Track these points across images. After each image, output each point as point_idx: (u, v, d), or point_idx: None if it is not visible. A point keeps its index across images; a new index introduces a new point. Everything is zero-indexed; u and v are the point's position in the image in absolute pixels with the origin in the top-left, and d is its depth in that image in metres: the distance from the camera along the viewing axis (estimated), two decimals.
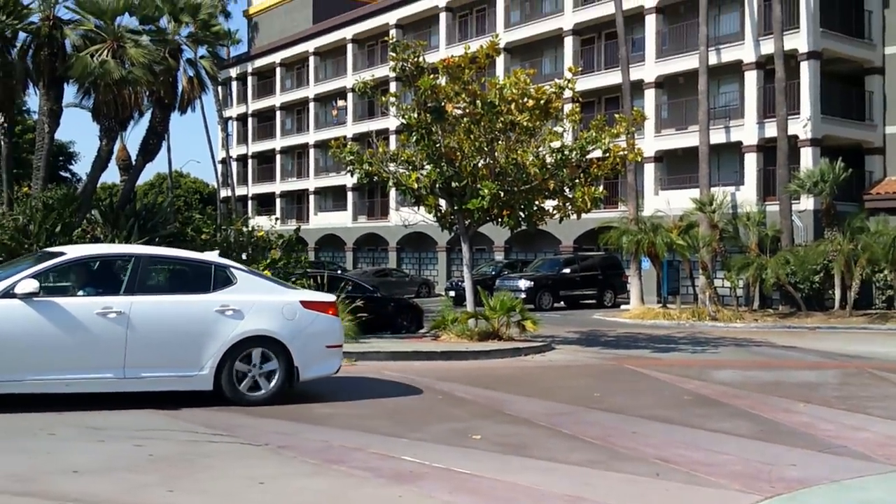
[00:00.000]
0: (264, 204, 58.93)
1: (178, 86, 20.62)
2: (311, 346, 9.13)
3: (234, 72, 60.45)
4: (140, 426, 7.63)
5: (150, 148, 20.07)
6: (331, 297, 9.96)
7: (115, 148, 20.87)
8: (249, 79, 59.98)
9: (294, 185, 56.56)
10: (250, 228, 21.29)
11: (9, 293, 7.90)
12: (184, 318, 8.59)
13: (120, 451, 6.76)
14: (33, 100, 42.66)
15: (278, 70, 57.23)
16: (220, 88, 52.77)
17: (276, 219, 42.62)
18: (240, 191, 58.97)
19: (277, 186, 57.57)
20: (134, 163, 21.07)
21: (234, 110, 61.87)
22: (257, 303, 8.88)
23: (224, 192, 56.70)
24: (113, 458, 6.51)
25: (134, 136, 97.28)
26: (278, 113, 57.42)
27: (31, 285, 7.91)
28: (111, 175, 55.28)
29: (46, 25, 18.06)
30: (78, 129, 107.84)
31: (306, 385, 10.33)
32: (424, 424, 8.45)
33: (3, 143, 18.76)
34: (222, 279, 8.99)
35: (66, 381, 8.07)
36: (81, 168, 42.64)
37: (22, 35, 18.54)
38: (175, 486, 5.83)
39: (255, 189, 59.88)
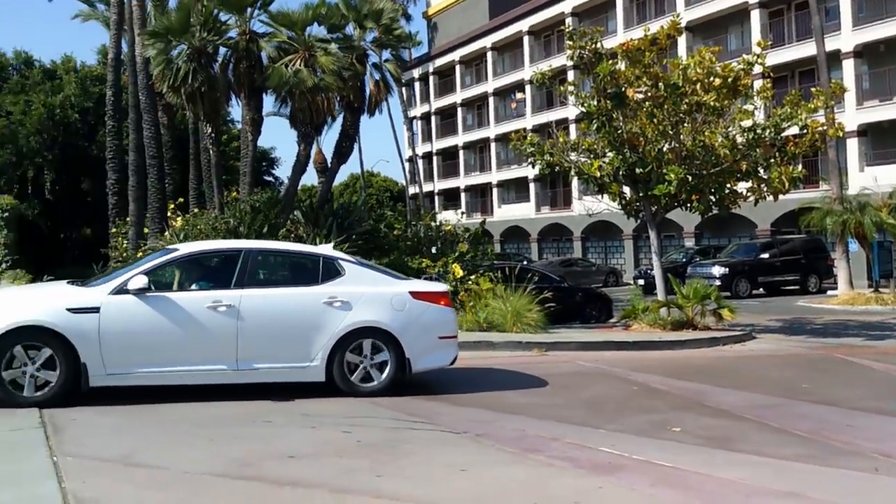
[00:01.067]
0: (450, 199, 60.13)
1: (365, 90, 21.38)
2: (423, 336, 8.99)
3: (416, 73, 62.03)
4: (347, 414, 7.99)
5: (343, 150, 20.98)
6: (443, 287, 9.84)
7: (312, 152, 22.01)
8: (431, 78, 61.34)
9: (477, 179, 57.31)
10: (438, 223, 21.81)
11: (122, 290, 8.22)
12: (292, 311, 8.61)
13: (330, 437, 7.12)
14: (236, 111, 45.78)
15: (458, 68, 58.13)
16: (403, 90, 54.31)
17: (462, 213, 43.34)
18: (427, 187, 60.48)
19: (461, 181, 58.54)
20: (329, 165, 22.13)
21: (418, 109, 63.50)
22: (365, 294, 8.82)
23: (412, 189, 58.37)
24: (324, 444, 6.86)
25: (328, 140, 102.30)
26: (459, 109, 58.34)
27: (142, 281, 8.20)
28: (309, 177, 58.36)
29: (244, 39, 19.29)
30: (277, 136, 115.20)
31: (498, 374, 10.45)
32: (621, 415, 8.31)
33: (212, 151, 20.28)
34: (330, 271, 8.96)
35: (182, 373, 8.29)
36: (282, 172, 45.40)
37: (222, 50, 19.90)
38: (381, 471, 6.07)
39: (440, 185, 61.20)
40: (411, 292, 9.05)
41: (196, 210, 20.04)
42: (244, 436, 7.10)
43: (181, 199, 21.45)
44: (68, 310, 7.99)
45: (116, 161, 24.63)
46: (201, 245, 10.25)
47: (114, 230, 23.73)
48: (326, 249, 9.57)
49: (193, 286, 8.75)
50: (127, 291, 8.21)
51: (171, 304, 8.32)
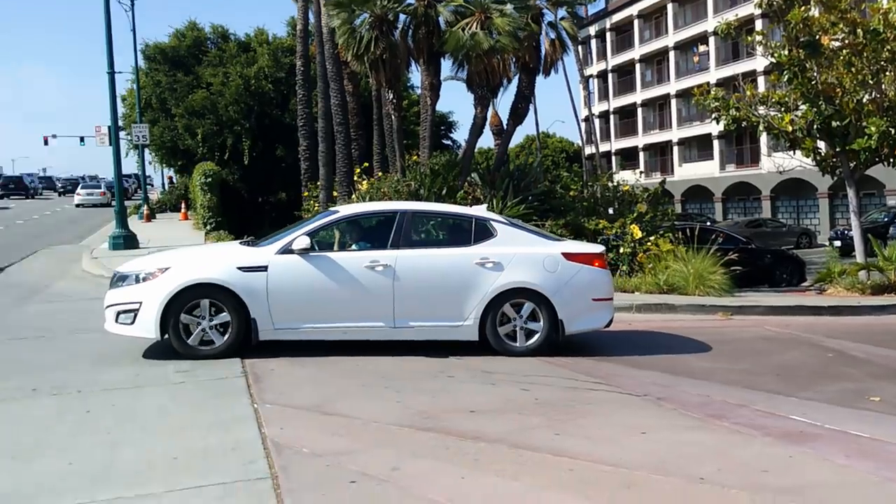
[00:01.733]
0: (627, 158, 58.74)
1: (541, 49, 21.18)
2: (576, 298, 8.89)
3: (592, 30, 60.69)
4: (525, 372, 8.09)
5: (519, 112, 20.96)
6: (597, 248, 9.56)
7: (488, 114, 22.12)
8: (608, 34, 59.83)
9: (656, 137, 55.57)
10: (615, 183, 21.39)
11: (288, 249, 8.61)
12: (446, 271, 8.76)
13: (509, 394, 7.25)
14: (416, 76, 46.80)
15: (636, 22, 56.31)
16: (579, 48, 53.34)
17: (640, 172, 42.24)
18: (603, 147, 59.38)
19: (640, 140, 56.99)
20: (505, 127, 22.18)
21: (594, 68, 62.21)
22: (517, 255, 8.83)
23: (588, 150, 57.54)
24: (503, 401, 7.00)
25: (503, 102, 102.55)
26: (637, 66, 56.62)
27: (305, 242, 8.58)
28: (486, 140, 58.89)
29: (422, 5, 19.57)
30: (455, 100, 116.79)
31: (679, 338, 10.20)
32: (813, 383, 7.91)
33: (393, 117, 20.86)
34: (482, 232, 9.01)
35: (343, 329, 8.65)
36: (460, 135, 45.89)
37: (402, 17, 20.30)
38: (560, 429, 6.12)
39: (617, 144, 59.89)
40: (564, 253, 8.98)
41: (380, 174, 20.73)
42: (428, 389, 7.36)
43: (366, 164, 22.23)
44: (239, 268, 8.48)
45: (307, 128, 25.87)
46: (359, 207, 10.56)
47: (306, 194, 25.08)
48: (479, 211, 9.61)
49: (353, 246, 9.05)
50: (292, 251, 8.60)
51: (331, 264, 8.66)
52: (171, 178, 54.51)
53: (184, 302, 8.32)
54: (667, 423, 6.44)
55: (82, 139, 63.41)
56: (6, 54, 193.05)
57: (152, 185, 57.80)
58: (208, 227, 26.91)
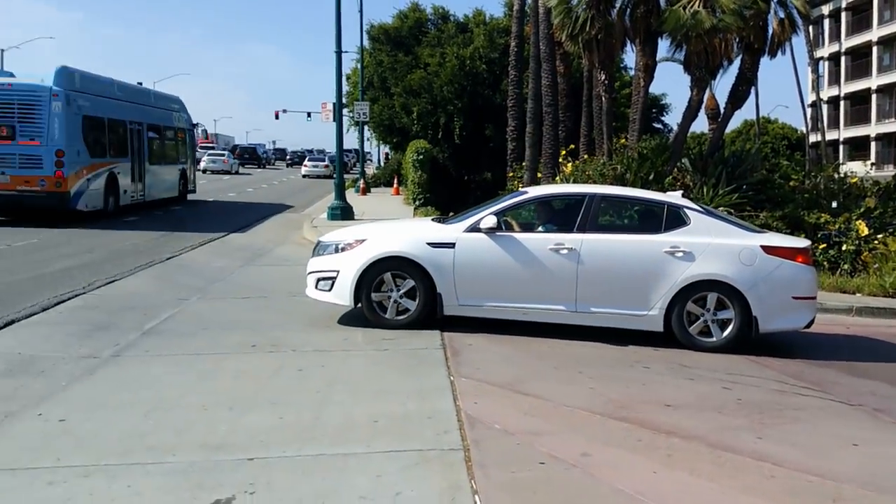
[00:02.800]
0: (857, 148, 54.39)
1: (767, 29, 19.91)
2: (774, 295, 8.37)
3: (825, 8, 56.44)
4: (727, 369, 7.76)
5: (738, 95, 19.90)
6: (802, 243, 8.90)
7: (705, 97, 21.21)
8: (842, 14, 55.47)
9: (892, 126, 50.97)
10: (842, 174, 19.87)
11: (475, 228, 8.78)
12: (632, 258, 8.54)
13: (709, 391, 6.99)
14: (629, 57, 45.68)
15: (875, 1, 51.71)
16: (810, 28, 49.79)
17: (871, 164, 38.96)
18: (830, 135, 55.28)
19: (872, 129, 52.59)
20: (722, 111, 21.18)
21: (825, 49, 57.94)
22: (710, 245, 8.47)
23: (813, 137, 53.75)
24: (702, 397, 6.77)
25: (721, 85, 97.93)
26: (874, 48, 52.16)
27: (492, 221, 8.72)
28: (699, 124, 56.48)
29: None
30: (668, 83, 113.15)
31: None
32: None
33: (604, 98, 20.50)
34: (675, 219, 8.73)
35: (524, 310, 8.68)
36: (672, 119, 44.45)
37: None
38: (763, 433, 5.83)
39: (846, 133, 55.61)
40: (763, 246, 8.50)
41: (585, 156, 20.47)
42: (623, 378, 7.26)
43: (572, 146, 22.04)
44: (428, 244, 8.78)
45: (516, 109, 26.03)
46: (548, 189, 10.44)
47: (510, 174, 25.30)
48: (673, 197, 9.32)
49: (539, 228, 9.08)
50: (479, 230, 8.77)
51: (516, 244, 8.73)
52: (386, 154, 57.07)
53: (376, 273, 8.78)
54: (883, 436, 5.97)
55: (309, 114, 69.20)
56: (241, 36, 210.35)
57: (370, 161, 61.23)
58: (417, 203, 27.85)
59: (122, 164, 22.56)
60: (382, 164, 55.22)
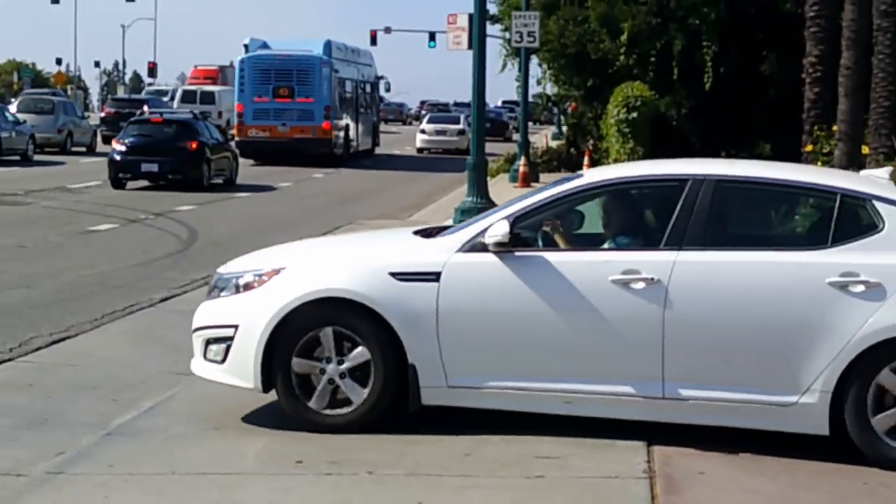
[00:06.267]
0: None
1: None
2: None
3: None
4: None
5: None
6: None
7: None
8: None
9: None
10: None
11: (476, 245, 5.42)
12: (765, 295, 5.10)
13: None
14: None
15: None
16: None
17: None
18: None
19: None
20: None
21: None
22: None
23: None
24: None
25: None
26: None
27: (503, 231, 5.25)
28: None
29: None
30: None
31: None
32: None
33: None
34: (854, 222, 5.27)
35: (565, 395, 5.30)
36: None
37: None
38: None
39: None
40: None
41: None
42: None
43: None
44: (393, 275, 5.42)
45: (822, 21, 15.96)
46: (616, 171, 6.87)
47: (808, 148, 15.84)
48: (860, 180, 5.82)
49: (605, 243, 5.68)
50: (484, 248, 5.34)
51: (549, 273, 5.30)
52: (574, 107, 31.37)
53: (301, 328, 5.48)
54: None
55: (432, 37, 43.50)
56: None
57: (538, 122, 46.71)
58: None
59: (351, 118, 29.51)
60: (563, 128, 35.72)
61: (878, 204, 5.24)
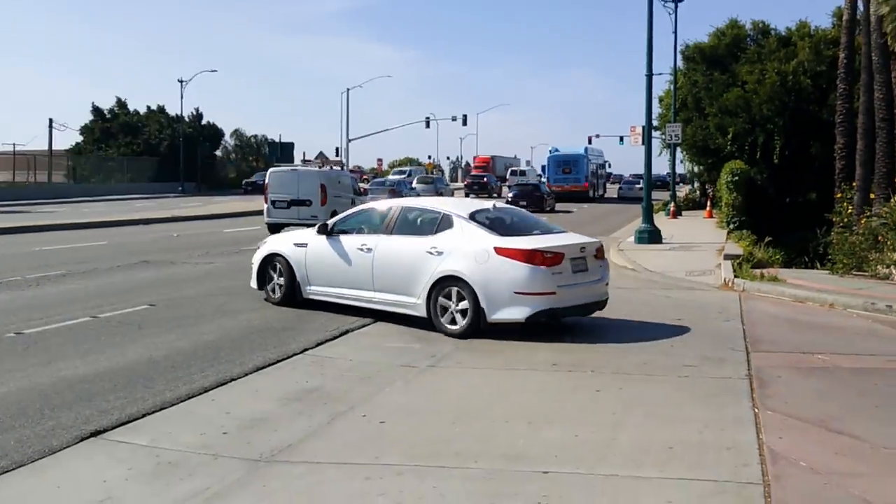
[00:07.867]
0: None
1: None
2: None
3: None
4: None
5: None
6: None
7: None
8: None
9: None
10: None
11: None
12: (410, 253, 10.47)
13: None
14: None
15: None
16: None
17: None
18: None
19: None
20: None
21: None
22: None
23: None
24: None
25: None
26: None
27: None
28: None
29: None
30: None
31: None
32: None
33: None
34: (445, 225, 10.21)
35: None
36: None
37: None
38: None
39: None
40: None
41: None
42: None
43: None
44: (294, 244, 11.68)
45: (845, 125, 23.92)
46: (373, 204, 12.32)
47: (838, 195, 23.06)
48: (452, 205, 10.75)
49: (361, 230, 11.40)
50: (324, 232, 11.25)
51: (339, 243, 11.07)
52: (699, 174, 55.29)
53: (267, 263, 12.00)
54: None
55: (622, 139, 70.93)
56: (559, 63, 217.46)
57: (681, 183, 59.64)
58: (731, 226, 26.68)
59: (596, 180, 58.51)
60: (695, 186, 53.58)
61: (453, 217, 10.12)
